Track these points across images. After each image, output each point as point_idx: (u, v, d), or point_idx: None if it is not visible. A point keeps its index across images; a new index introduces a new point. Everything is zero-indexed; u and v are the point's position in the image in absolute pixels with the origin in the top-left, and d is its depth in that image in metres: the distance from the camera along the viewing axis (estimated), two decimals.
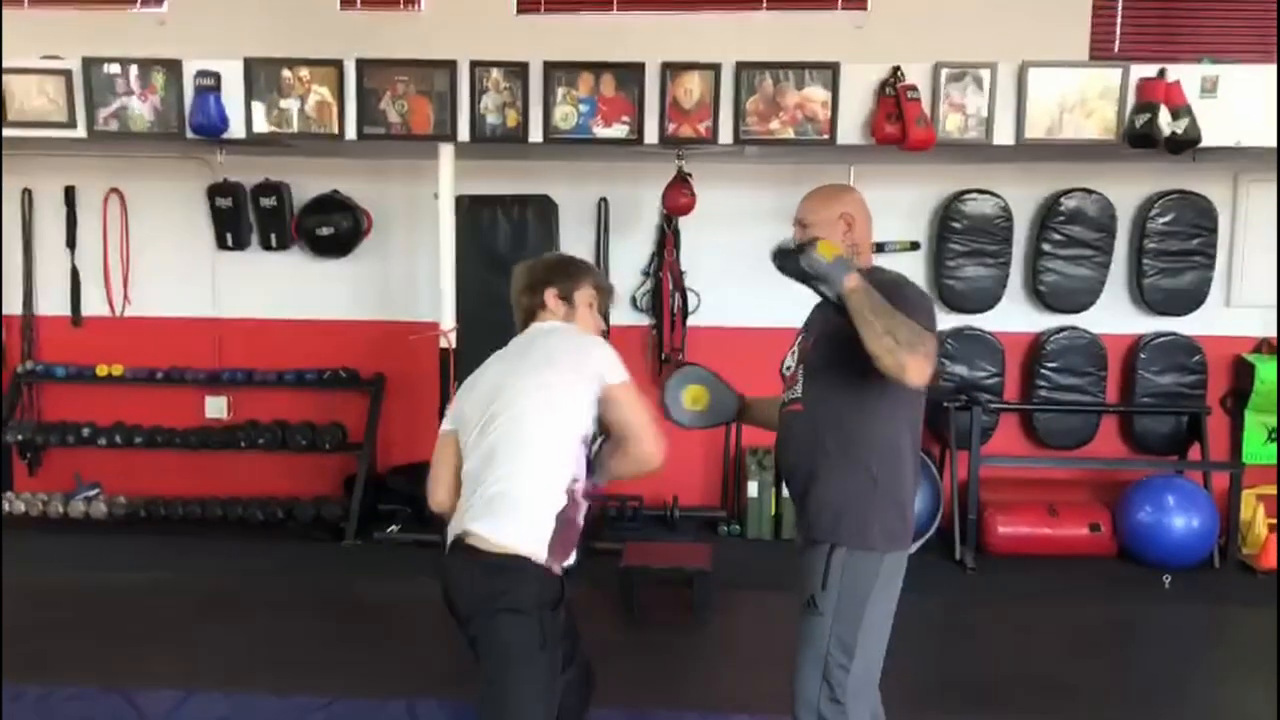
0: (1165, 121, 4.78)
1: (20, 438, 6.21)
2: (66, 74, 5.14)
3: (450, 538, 2.58)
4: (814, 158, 5.63)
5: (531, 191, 6.08)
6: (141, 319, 6.50)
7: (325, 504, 6.02)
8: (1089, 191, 5.97)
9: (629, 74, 5.00)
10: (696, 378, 3.03)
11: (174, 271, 6.46)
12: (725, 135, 5.07)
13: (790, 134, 5.00)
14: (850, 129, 5.03)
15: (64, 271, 6.48)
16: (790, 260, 2.47)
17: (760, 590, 5.13)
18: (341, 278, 6.38)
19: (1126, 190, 6.00)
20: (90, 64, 5.12)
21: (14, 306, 6.51)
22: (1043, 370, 6.10)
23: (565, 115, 5.02)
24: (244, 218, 6.26)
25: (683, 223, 6.17)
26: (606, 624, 4.69)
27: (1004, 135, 5.01)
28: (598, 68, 5.01)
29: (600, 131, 5.03)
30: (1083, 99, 4.92)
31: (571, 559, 2.57)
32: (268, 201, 6.21)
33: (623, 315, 6.20)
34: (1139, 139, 4.85)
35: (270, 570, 5.51)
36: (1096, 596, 5.27)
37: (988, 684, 4.13)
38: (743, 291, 6.05)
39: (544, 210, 6.13)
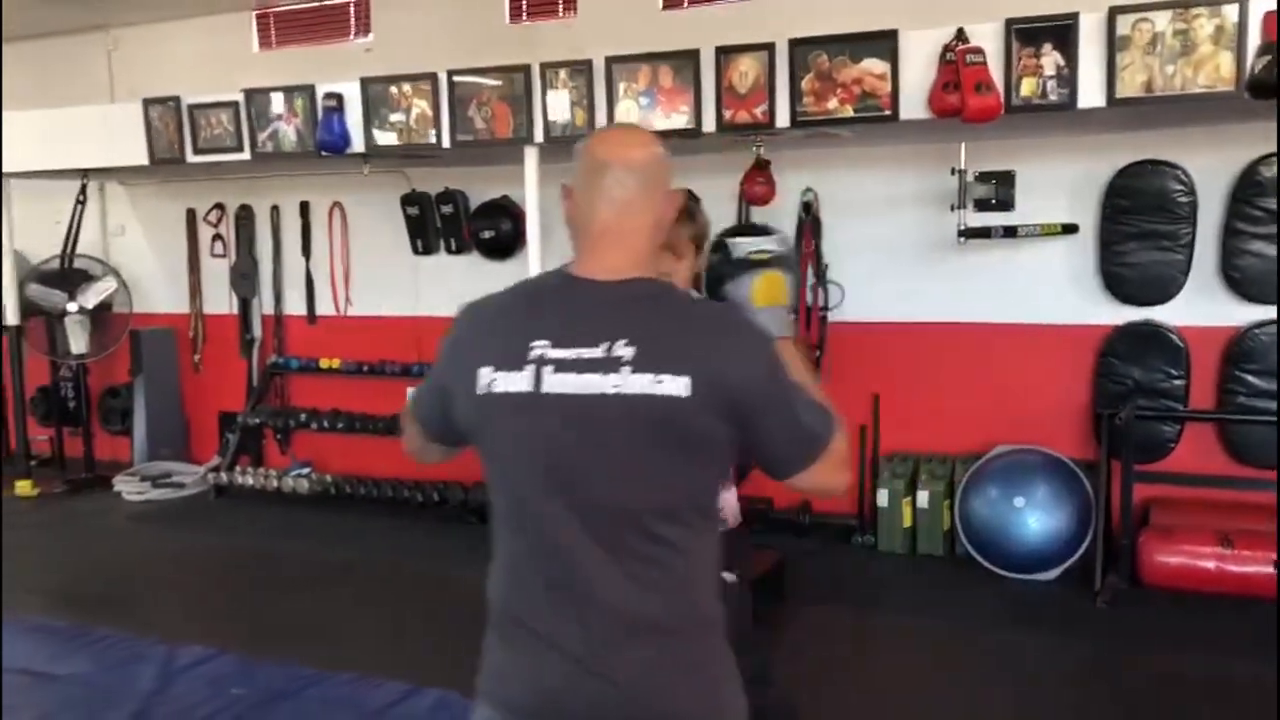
0: None
1: (257, 421, 7.19)
2: (234, 105, 5.89)
3: None
4: (939, 136, 5.09)
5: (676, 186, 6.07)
6: (360, 318, 7.28)
7: (475, 490, 6.37)
8: None
9: (684, 61, 4.84)
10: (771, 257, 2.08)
11: (383, 275, 7.15)
12: (783, 118, 4.74)
13: (849, 112, 4.58)
14: (915, 103, 4.50)
15: (302, 277, 7.42)
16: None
17: (831, 605, 4.79)
18: (509, 278, 6.63)
19: None
20: (250, 94, 5.83)
21: (268, 307, 7.56)
22: (1238, 372, 5.07)
23: (627, 109, 4.96)
24: (430, 224, 6.81)
25: (825, 213, 5.85)
26: None
27: (1091, 96, 4.22)
28: (654, 58, 4.90)
29: (659, 123, 4.90)
30: (1188, 44, 4.04)
31: None
32: (446, 209, 6.72)
33: None
34: (1258, 87, 3.90)
35: (387, 549, 5.94)
36: (1253, 652, 4.23)
37: None
38: (883, 283, 5.65)
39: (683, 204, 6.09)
